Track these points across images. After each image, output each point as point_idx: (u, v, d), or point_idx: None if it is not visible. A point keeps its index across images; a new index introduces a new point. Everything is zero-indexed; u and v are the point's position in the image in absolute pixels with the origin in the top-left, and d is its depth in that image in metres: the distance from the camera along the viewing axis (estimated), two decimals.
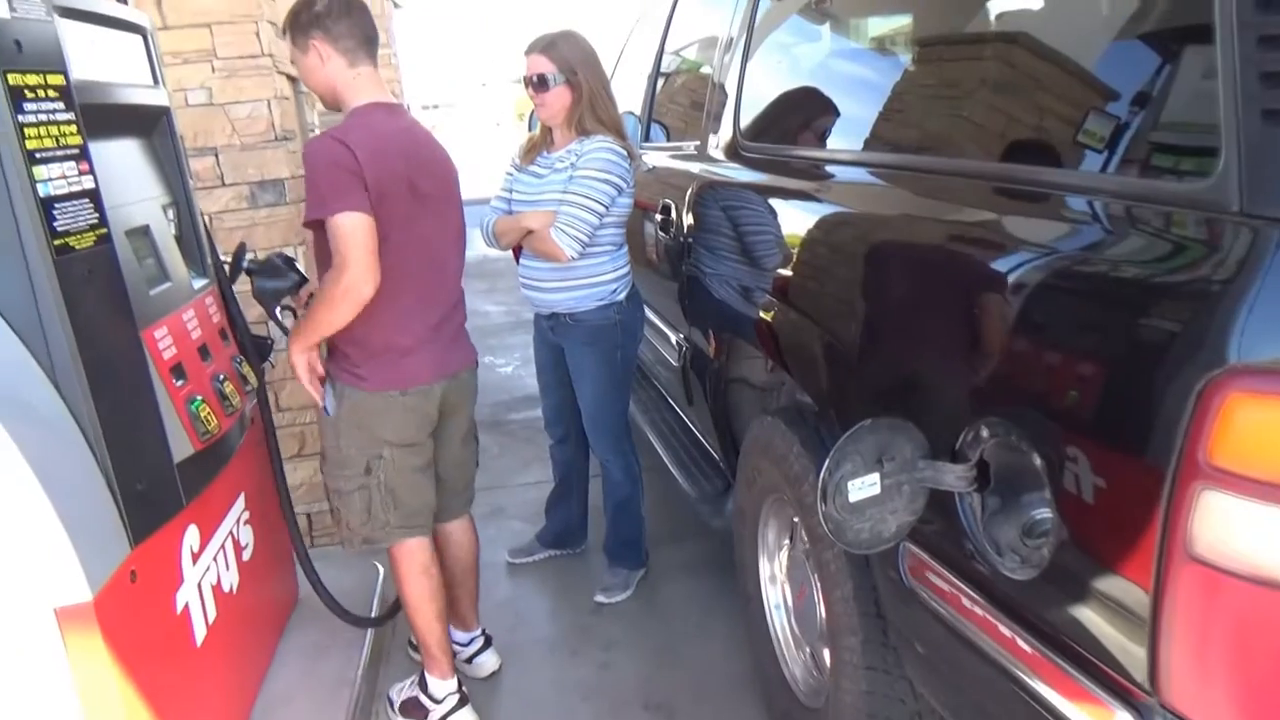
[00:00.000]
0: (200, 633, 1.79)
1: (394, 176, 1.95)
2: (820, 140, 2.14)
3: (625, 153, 2.55)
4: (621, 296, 2.67)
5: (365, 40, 2.04)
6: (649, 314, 2.94)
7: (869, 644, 1.67)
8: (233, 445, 2.01)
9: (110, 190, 1.60)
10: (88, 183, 1.52)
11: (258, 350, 2.19)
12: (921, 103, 1.73)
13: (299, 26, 2.01)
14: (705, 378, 2.56)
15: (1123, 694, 1.04)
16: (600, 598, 2.85)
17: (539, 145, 2.70)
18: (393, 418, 2.08)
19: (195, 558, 1.78)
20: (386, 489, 2.11)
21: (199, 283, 2.04)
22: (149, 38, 1.98)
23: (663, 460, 3.01)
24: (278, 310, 2.22)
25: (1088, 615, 1.08)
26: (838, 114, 2.09)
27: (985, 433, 1.23)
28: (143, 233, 1.83)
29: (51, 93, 1.45)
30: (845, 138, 2.02)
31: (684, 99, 3.30)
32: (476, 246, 2.56)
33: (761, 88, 2.41)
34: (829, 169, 1.97)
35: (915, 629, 1.52)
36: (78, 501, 1.41)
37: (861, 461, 1.28)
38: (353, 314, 1.92)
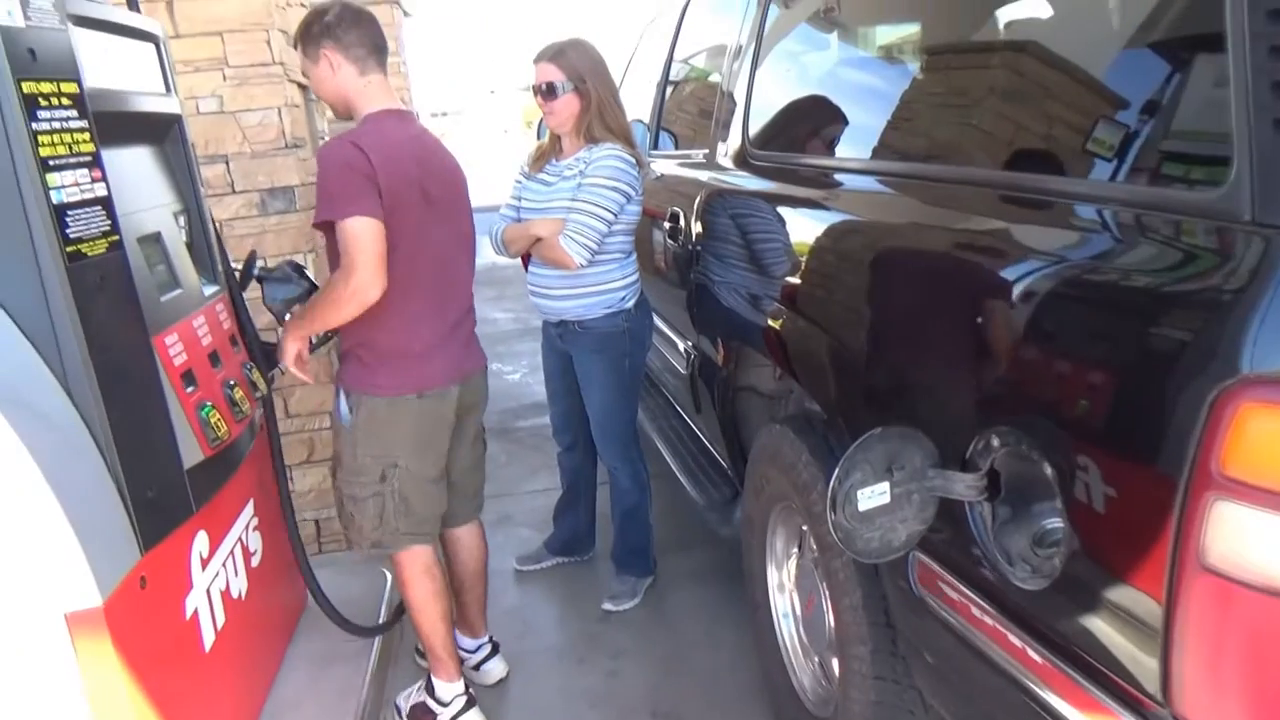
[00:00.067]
0: (209, 638, 1.79)
1: (407, 182, 1.97)
2: (829, 148, 2.14)
3: (634, 160, 2.56)
4: (630, 304, 2.67)
5: (375, 49, 2.06)
6: (657, 321, 2.94)
7: (878, 653, 1.66)
8: (242, 451, 2.02)
9: (122, 197, 1.61)
10: (100, 190, 1.53)
11: (267, 357, 2.19)
12: (930, 111, 1.73)
13: (310, 37, 2.04)
14: (713, 385, 2.56)
15: (1134, 705, 1.03)
16: (608, 605, 2.85)
17: (548, 153, 2.71)
18: (409, 423, 2.09)
19: (204, 563, 1.79)
20: (400, 497, 2.12)
21: (210, 289, 2.05)
22: (161, 46, 1.99)
23: (671, 468, 3.00)
24: (287, 317, 2.23)
25: (1099, 625, 1.08)
26: (846, 122, 2.09)
27: (996, 442, 1.22)
28: (154, 240, 1.84)
29: (65, 101, 1.46)
30: (854, 146, 2.02)
31: (692, 107, 3.30)
32: (485, 254, 2.57)
33: (770, 96, 2.41)
34: (837, 177, 1.96)
35: (925, 638, 1.51)
36: (89, 507, 1.42)
37: (871, 470, 1.28)
38: (355, 315, 1.94)
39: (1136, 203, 1.14)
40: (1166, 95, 1.16)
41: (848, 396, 1.71)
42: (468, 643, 2.50)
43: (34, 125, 1.38)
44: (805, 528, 1.99)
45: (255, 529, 2.13)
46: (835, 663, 1.88)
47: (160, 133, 2.03)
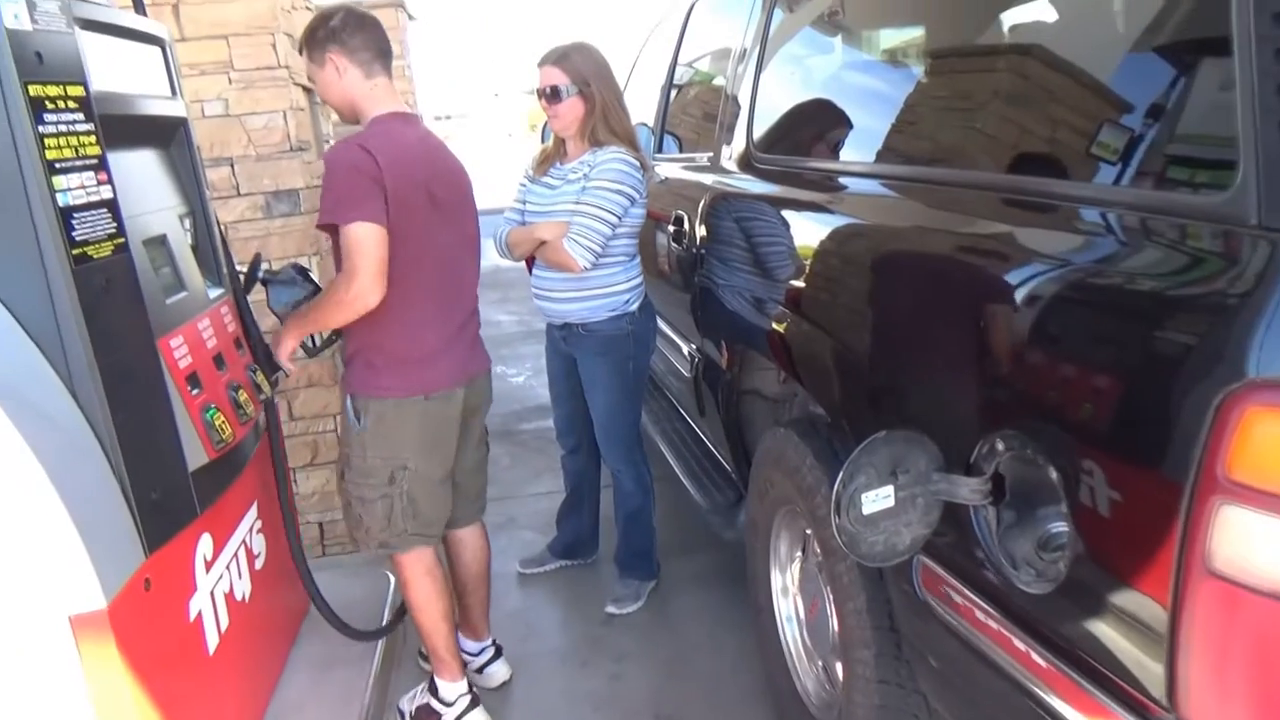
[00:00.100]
0: (213, 641, 1.79)
1: (414, 184, 1.98)
2: (833, 152, 2.14)
3: (638, 163, 2.56)
4: (634, 307, 2.67)
5: (380, 53, 2.08)
6: (661, 324, 2.94)
7: (882, 657, 1.66)
8: (246, 454, 2.02)
9: (128, 200, 1.61)
10: (106, 193, 1.53)
11: (271, 360, 2.20)
12: (935, 114, 1.73)
13: (315, 42, 2.05)
14: (717, 389, 2.56)
15: (1140, 710, 1.03)
16: (611, 609, 2.85)
17: (552, 156, 2.71)
18: (417, 424, 2.10)
19: (208, 566, 1.79)
20: (409, 499, 2.13)
21: (214, 292, 2.05)
22: (167, 49, 2.00)
23: (674, 471, 3.00)
24: None
25: (1104, 630, 1.07)
26: (850, 126, 2.09)
27: (1000, 445, 1.22)
28: (160, 242, 1.85)
29: (71, 104, 1.47)
30: (858, 149, 2.02)
31: (697, 110, 3.30)
32: (489, 257, 2.57)
33: (774, 99, 2.41)
34: (842, 180, 1.96)
35: (929, 643, 1.51)
36: (93, 509, 1.42)
37: (875, 474, 1.28)
38: (354, 319, 1.97)
39: (1142, 206, 1.14)
40: (1172, 99, 1.16)
41: (852, 400, 1.71)
42: (471, 645, 2.50)
43: (40, 128, 1.38)
44: (809, 531, 1.98)
45: (259, 531, 2.13)
46: (839, 667, 1.88)
47: (166, 136, 2.03)
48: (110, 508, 1.47)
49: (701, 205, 2.57)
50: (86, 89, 1.51)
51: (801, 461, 1.86)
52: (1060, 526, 1.14)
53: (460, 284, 2.18)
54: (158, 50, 1.97)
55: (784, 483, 1.98)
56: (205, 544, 1.78)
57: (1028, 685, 1.20)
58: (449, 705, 2.27)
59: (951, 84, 1.73)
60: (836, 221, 1.86)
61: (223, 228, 2.21)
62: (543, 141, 2.94)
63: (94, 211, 1.49)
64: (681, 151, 3.26)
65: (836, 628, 1.85)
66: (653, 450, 3.09)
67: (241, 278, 2.20)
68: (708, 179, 2.65)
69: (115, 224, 1.55)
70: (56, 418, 1.42)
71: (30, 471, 1.33)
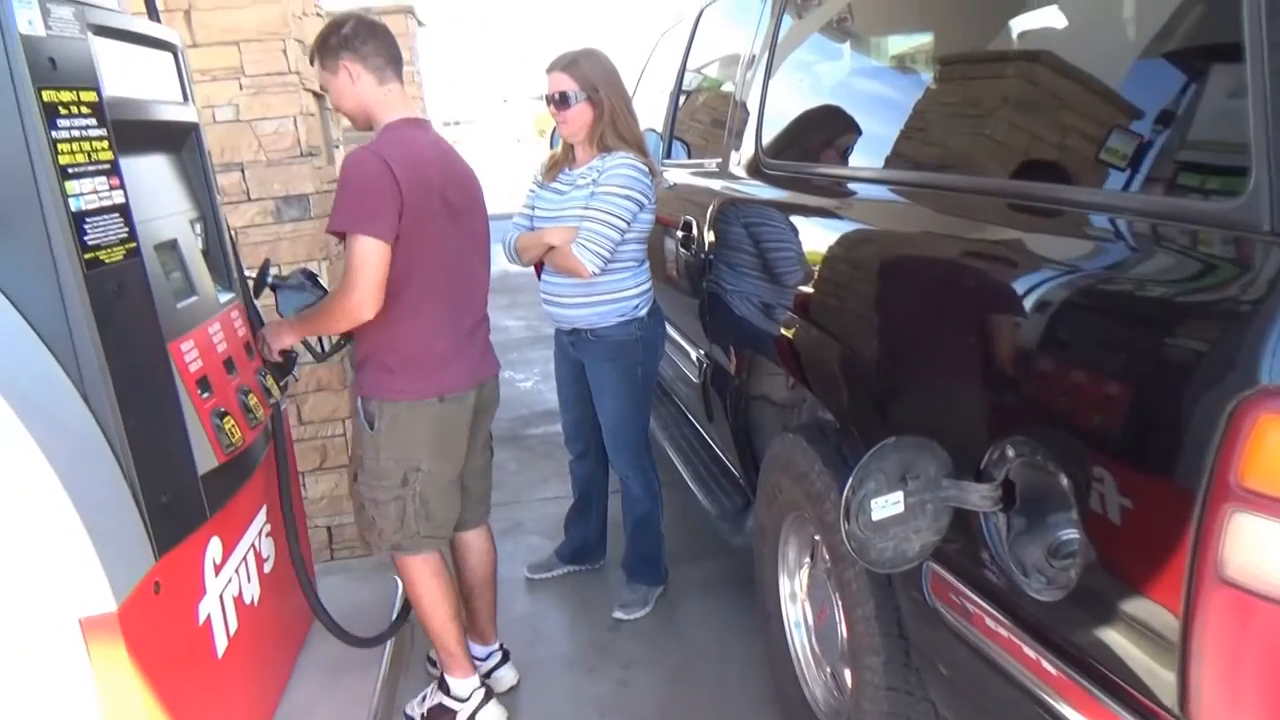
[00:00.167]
0: (222, 644, 1.80)
1: (429, 190, 2.00)
2: (842, 158, 2.14)
3: (647, 169, 2.56)
4: (643, 312, 2.67)
5: (392, 59, 2.10)
6: (670, 330, 2.94)
7: (891, 665, 1.65)
8: (256, 458, 2.02)
9: (140, 205, 1.62)
10: (118, 198, 1.54)
11: (281, 364, 2.21)
12: (944, 120, 1.72)
13: (328, 50, 2.07)
14: (726, 394, 2.56)
15: (1151, 718, 1.02)
16: (619, 614, 2.84)
17: (561, 162, 2.72)
18: (430, 427, 2.11)
19: (218, 569, 1.80)
20: (421, 500, 2.15)
21: (225, 296, 2.06)
22: (179, 55, 2.01)
23: (682, 476, 3.00)
24: None
25: (1115, 638, 1.07)
26: (859, 132, 2.09)
27: (1011, 452, 1.22)
28: (171, 247, 1.85)
29: (84, 109, 1.48)
30: (867, 155, 2.02)
31: (705, 116, 3.31)
32: (498, 262, 2.58)
33: (783, 105, 2.41)
34: (850, 186, 1.96)
35: (938, 650, 1.50)
36: (104, 513, 1.42)
37: (885, 480, 1.27)
38: (348, 328, 2.04)
39: (1153, 212, 1.14)
40: (1183, 104, 1.16)
41: (861, 405, 1.70)
42: (478, 650, 2.50)
43: (54, 133, 1.39)
44: (818, 537, 1.98)
45: (268, 535, 2.14)
46: (848, 674, 1.87)
47: (177, 141, 2.04)
48: (121, 511, 1.47)
49: (710, 211, 2.57)
50: (99, 94, 1.52)
51: (810, 467, 1.85)
52: (1071, 533, 1.14)
53: (471, 288, 2.20)
54: (170, 56, 1.98)
55: (792, 488, 1.97)
56: (214, 547, 1.78)
57: (1038, 693, 1.20)
58: (463, 701, 2.28)
59: (960, 90, 1.72)
60: (845, 227, 1.86)
61: (233, 232, 2.22)
62: (551, 147, 2.95)
63: (106, 216, 1.50)
64: (690, 157, 3.27)
65: (845, 634, 1.85)
66: (661, 456, 3.09)
67: (251, 282, 2.21)
68: (716, 185, 2.65)
69: (127, 229, 1.56)
70: (68, 421, 1.42)
71: (42, 474, 1.33)
